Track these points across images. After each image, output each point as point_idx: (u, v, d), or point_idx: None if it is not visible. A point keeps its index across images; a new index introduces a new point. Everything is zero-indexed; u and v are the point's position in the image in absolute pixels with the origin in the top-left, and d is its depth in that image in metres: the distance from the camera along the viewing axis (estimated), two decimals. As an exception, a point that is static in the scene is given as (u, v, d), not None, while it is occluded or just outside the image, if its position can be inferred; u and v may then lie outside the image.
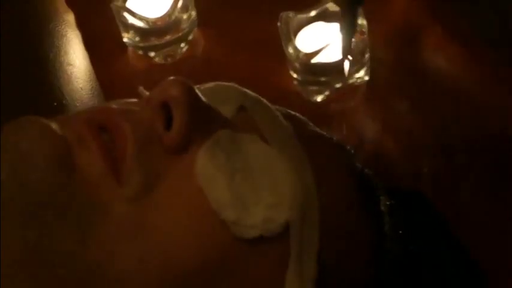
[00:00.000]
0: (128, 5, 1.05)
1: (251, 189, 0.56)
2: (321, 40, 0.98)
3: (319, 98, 0.99)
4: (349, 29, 0.75)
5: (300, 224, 0.57)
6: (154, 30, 1.04)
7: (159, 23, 1.04)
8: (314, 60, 0.96)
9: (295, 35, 0.99)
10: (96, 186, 0.54)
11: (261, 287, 0.56)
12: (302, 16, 0.99)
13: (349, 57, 0.81)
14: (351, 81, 0.98)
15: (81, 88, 1.05)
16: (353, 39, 0.77)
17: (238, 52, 1.05)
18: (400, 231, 0.65)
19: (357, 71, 0.98)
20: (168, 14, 1.03)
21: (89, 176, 0.54)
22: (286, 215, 0.57)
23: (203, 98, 0.58)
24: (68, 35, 1.10)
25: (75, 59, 1.08)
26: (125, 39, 1.07)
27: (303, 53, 0.97)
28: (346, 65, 0.82)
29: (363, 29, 0.96)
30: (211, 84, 0.64)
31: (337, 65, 0.93)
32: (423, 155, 0.92)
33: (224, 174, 0.56)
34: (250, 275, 0.56)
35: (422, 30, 1.04)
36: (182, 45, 1.07)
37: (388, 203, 0.66)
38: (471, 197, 0.88)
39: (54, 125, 0.55)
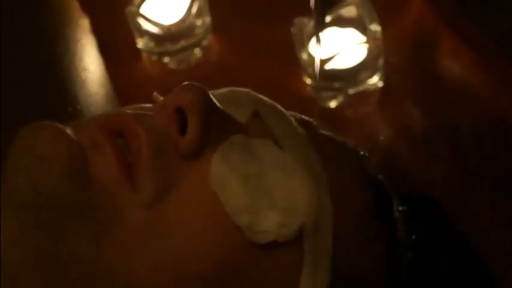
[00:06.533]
0: (143, 10, 1.05)
1: (265, 194, 0.56)
2: (335, 46, 0.98)
3: (333, 104, 0.99)
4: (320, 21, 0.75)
5: (314, 229, 0.57)
6: (169, 36, 1.04)
7: (173, 28, 1.04)
8: (328, 66, 0.96)
9: (309, 40, 0.99)
10: (111, 192, 0.54)
11: (275, 292, 0.56)
12: (316, 22, 0.99)
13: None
14: (364, 87, 0.98)
15: (96, 93, 1.05)
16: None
17: (252, 58, 1.05)
18: (413, 238, 0.65)
19: (371, 76, 0.98)
20: (183, 20, 1.03)
21: (103, 181, 0.54)
22: (300, 221, 0.56)
23: (217, 103, 0.58)
24: (82, 40, 1.11)
25: (90, 64, 1.08)
26: (139, 45, 1.07)
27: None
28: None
29: (377, 35, 0.96)
30: (225, 90, 0.64)
31: (352, 71, 0.93)
32: (437, 161, 0.92)
33: (238, 178, 0.56)
34: (264, 280, 0.56)
35: (436, 36, 1.04)
36: (196, 51, 1.07)
37: (401, 209, 0.65)
38: (485, 203, 0.87)
39: (68, 130, 0.55)
